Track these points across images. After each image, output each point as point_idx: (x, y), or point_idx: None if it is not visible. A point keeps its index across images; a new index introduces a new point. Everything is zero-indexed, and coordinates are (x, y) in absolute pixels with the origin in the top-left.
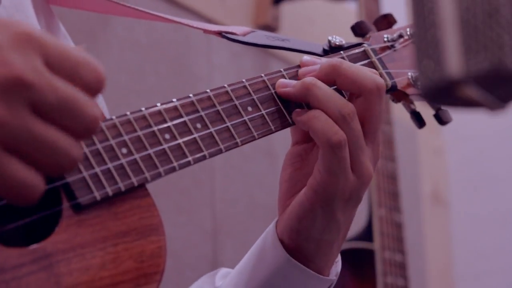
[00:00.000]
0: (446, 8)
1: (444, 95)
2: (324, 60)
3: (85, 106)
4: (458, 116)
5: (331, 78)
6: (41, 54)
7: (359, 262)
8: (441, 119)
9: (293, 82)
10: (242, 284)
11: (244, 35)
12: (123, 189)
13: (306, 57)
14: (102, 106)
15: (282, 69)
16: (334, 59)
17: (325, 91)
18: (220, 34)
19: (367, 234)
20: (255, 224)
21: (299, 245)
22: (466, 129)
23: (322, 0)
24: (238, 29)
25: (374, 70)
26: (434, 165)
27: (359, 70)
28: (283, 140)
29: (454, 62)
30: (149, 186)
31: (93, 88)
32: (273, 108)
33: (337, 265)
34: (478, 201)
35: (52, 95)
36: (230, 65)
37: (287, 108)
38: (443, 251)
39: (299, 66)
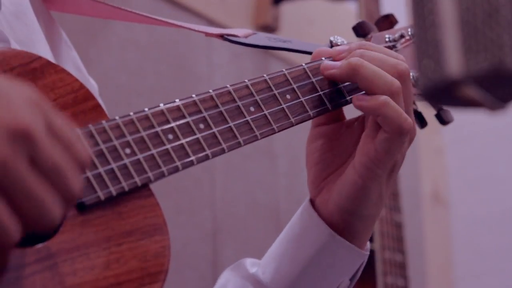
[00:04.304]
0: (446, 8)
1: (444, 95)
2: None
3: (73, 179)
4: (458, 116)
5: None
6: (45, 120)
7: None
8: (443, 119)
9: (338, 63)
10: (284, 265)
11: (246, 37)
12: (126, 189)
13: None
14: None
15: (284, 69)
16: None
17: (373, 70)
18: (222, 37)
19: None
20: (255, 224)
21: (349, 224)
22: (466, 129)
23: (322, 0)
24: (239, 31)
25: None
26: (434, 165)
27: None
28: (283, 140)
29: (454, 62)
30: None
31: (83, 162)
32: (275, 108)
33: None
34: (478, 201)
35: (49, 158)
36: (231, 65)
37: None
38: (443, 251)
39: (301, 65)
